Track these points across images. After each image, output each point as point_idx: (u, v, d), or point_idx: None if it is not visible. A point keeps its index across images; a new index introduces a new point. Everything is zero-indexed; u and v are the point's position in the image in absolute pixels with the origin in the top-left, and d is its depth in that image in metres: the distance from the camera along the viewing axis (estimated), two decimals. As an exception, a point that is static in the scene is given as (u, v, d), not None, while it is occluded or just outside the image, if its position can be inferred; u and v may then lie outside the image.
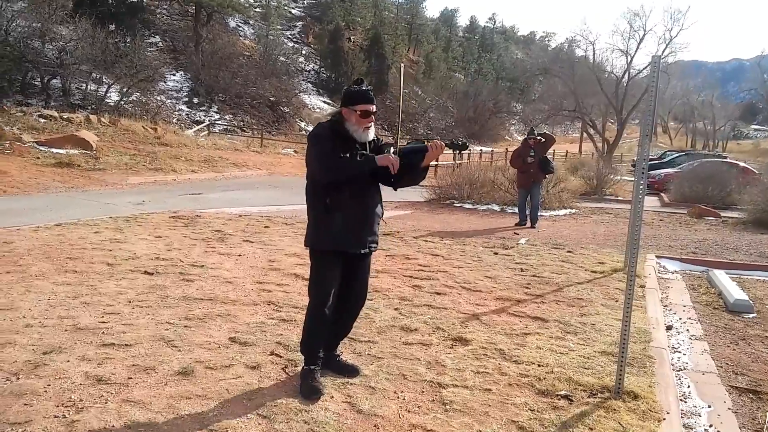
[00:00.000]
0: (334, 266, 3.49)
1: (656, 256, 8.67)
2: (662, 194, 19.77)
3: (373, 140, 3.56)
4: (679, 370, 4.42)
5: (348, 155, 3.31)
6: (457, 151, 3.66)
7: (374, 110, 3.46)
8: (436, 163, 23.80)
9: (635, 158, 32.62)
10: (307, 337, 3.55)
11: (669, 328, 5.43)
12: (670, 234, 11.14)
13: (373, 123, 3.50)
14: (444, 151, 3.52)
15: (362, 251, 3.52)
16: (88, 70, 29.27)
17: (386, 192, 3.67)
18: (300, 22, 60.35)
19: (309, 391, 3.34)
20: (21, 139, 17.31)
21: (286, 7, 58.18)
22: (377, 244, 3.65)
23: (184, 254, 6.96)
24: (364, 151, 3.42)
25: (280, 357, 3.92)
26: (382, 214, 3.66)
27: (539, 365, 4.02)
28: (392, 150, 3.49)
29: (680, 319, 5.82)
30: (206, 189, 15.67)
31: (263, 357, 3.91)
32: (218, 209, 11.42)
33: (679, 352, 4.85)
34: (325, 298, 3.46)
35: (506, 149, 30.78)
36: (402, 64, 4.37)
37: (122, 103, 30.27)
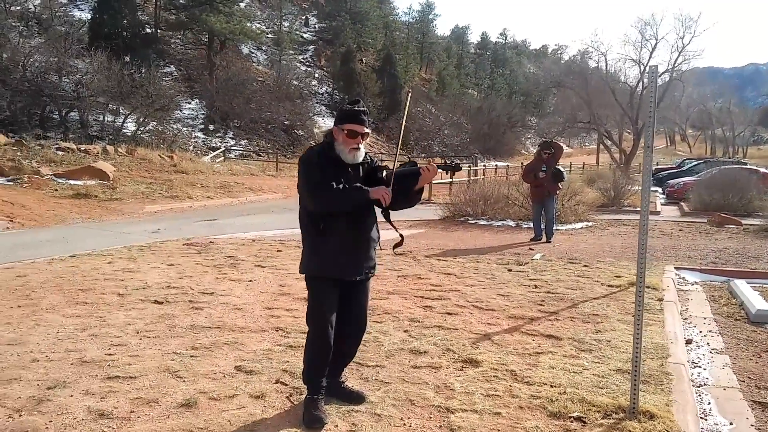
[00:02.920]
0: (332, 293, 3.42)
1: (675, 268, 8.48)
2: (682, 203, 19.48)
3: (366, 162, 3.50)
4: (699, 386, 4.28)
5: (340, 186, 3.23)
6: (451, 172, 3.61)
7: (364, 131, 3.37)
8: (451, 180, 23.72)
9: (654, 168, 32.14)
10: (308, 368, 3.48)
11: (688, 342, 5.28)
12: (689, 244, 10.93)
13: (361, 144, 3.39)
14: (437, 173, 3.46)
15: (358, 278, 3.45)
16: (104, 101, 29.81)
17: (399, 210, 3.60)
18: (312, 46, 61.06)
19: (311, 421, 3.27)
20: (39, 172, 17.61)
21: (297, 32, 58.94)
22: (374, 269, 3.58)
23: (195, 282, 6.95)
24: (357, 184, 3.32)
25: (286, 385, 3.85)
26: (379, 238, 3.59)
27: (552, 386, 3.90)
28: (385, 173, 3.43)
29: (700, 332, 5.66)
30: (222, 215, 15.74)
31: (268, 386, 3.84)
32: (232, 234, 11.43)
33: (699, 366, 4.70)
34: (325, 326, 3.38)
35: (521, 163, 30.63)
36: (409, 91, 4.27)
37: (139, 132, 30.75)
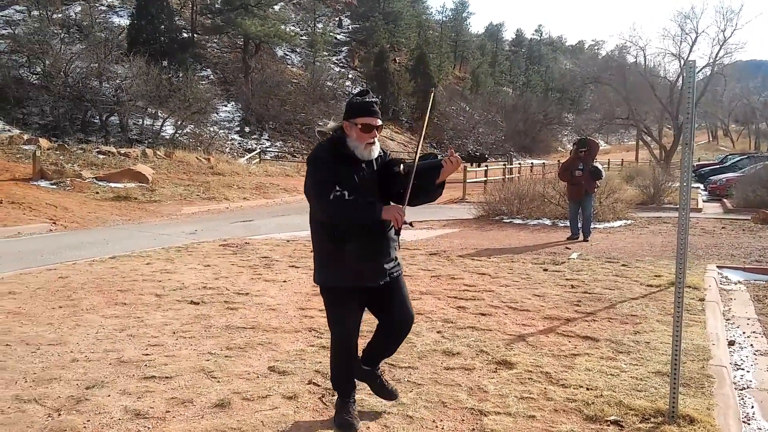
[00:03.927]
0: (350, 301, 3.21)
1: (717, 267, 8.25)
2: (725, 200, 18.98)
3: (380, 155, 3.26)
4: (741, 389, 4.14)
5: (352, 198, 2.96)
6: (476, 164, 3.40)
7: (378, 124, 3.13)
8: (485, 178, 23.54)
9: (696, 164, 31.29)
10: (334, 374, 3.41)
11: (731, 343, 5.12)
12: (732, 242, 10.63)
13: (376, 138, 3.17)
14: (461, 165, 3.18)
15: (382, 282, 3.20)
16: (143, 105, 30.45)
17: (433, 209, 3.49)
18: (345, 47, 61.27)
19: (342, 425, 3.25)
20: (81, 176, 18.05)
21: (331, 34, 59.18)
22: (399, 267, 3.33)
23: (231, 282, 7.03)
24: (371, 199, 3.05)
25: (318, 386, 3.86)
26: (398, 236, 3.28)
27: (588, 389, 3.82)
28: (402, 167, 3.18)
29: (744, 333, 5.49)
30: (257, 216, 15.91)
31: (301, 386, 3.86)
32: (267, 235, 11.54)
33: (743, 369, 4.55)
34: (345, 335, 3.25)
35: (558, 161, 30.22)
36: (433, 90, 4.11)
37: (177, 135, 31.30)
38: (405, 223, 3.04)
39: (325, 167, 3.07)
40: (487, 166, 21.60)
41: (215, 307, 5.90)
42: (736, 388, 4.11)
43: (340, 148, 3.14)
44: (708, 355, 4.49)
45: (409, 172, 3.09)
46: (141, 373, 4.09)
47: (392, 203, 3.21)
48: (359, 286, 3.20)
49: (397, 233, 3.17)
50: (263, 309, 5.82)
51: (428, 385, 3.89)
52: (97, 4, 44.61)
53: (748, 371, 4.50)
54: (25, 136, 23.14)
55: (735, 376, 4.36)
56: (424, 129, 4.04)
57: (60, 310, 5.75)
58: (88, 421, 3.35)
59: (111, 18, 44.23)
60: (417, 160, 3.10)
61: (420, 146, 3.23)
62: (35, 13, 37.63)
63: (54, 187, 16.77)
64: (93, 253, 9.47)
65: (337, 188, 2.99)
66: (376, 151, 3.20)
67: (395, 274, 3.29)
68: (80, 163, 20.07)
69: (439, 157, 3.21)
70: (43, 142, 22.06)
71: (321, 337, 4.89)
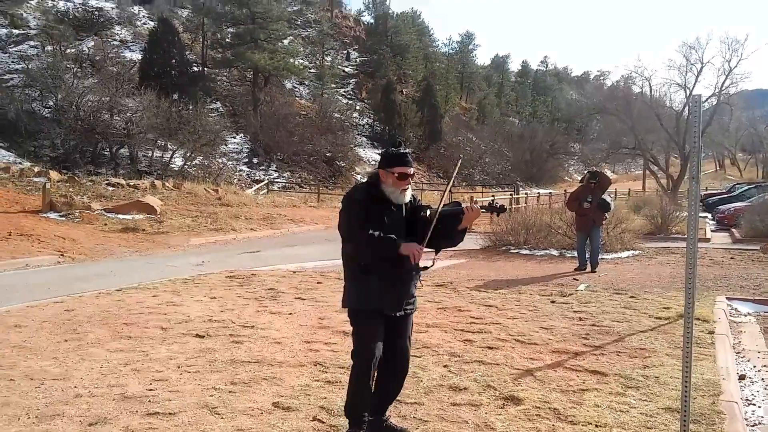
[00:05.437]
0: (377, 325, 3.48)
1: (727, 298, 8.17)
2: (733, 230, 18.85)
3: (411, 201, 3.61)
4: (753, 426, 4.08)
5: (376, 234, 3.32)
6: (496, 214, 3.62)
7: (412, 173, 3.53)
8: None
9: (704, 193, 31.12)
10: (351, 401, 3.50)
11: (742, 377, 5.05)
12: (741, 273, 10.53)
13: (410, 185, 3.56)
14: (480, 214, 3.52)
15: (398, 313, 3.51)
16: (153, 138, 30.72)
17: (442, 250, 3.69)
18: (353, 79, 61.90)
19: (348, 459, 3.23)
20: (90, 207, 18.16)
21: (339, 67, 59.85)
22: (414, 305, 3.64)
23: (236, 315, 7.01)
24: (392, 235, 3.36)
25: (323, 423, 3.82)
26: (420, 276, 3.64)
27: (597, 425, 3.77)
28: (428, 212, 3.53)
29: (754, 366, 5.41)
30: (264, 246, 15.93)
31: (305, 423, 3.82)
32: (274, 266, 11.54)
33: (754, 404, 4.48)
34: (370, 359, 3.42)
35: (565, 191, 30.21)
36: (461, 157, 4.39)
37: (186, 167, 31.49)
38: (424, 268, 3.52)
39: (358, 206, 3.47)
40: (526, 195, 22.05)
41: (220, 340, 5.88)
42: (747, 425, 4.04)
43: (374, 191, 3.52)
44: (718, 390, 4.43)
45: (432, 216, 3.46)
46: (144, 409, 4.06)
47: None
48: (381, 310, 3.49)
49: (416, 270, 3.53)
50: (268, 342, 5.79)
51: (434, 421, 3.84)
52: (109, 40, 45.42)
53: (759, 406, 4.42)
54: (36, 169, 23.36)
55: (746, 412, 4.29)
56: (449, 186, 4.42)
57: (65, 344, 5.73)
58: (90, 458, 3.32)
59: (123, 53, 44.94)
60: (440, 207, 3.47)
61: (443, 199, 3.61)
62: (49, 48, 38.30)
63: (63, 218, 16.87)
64: (100, 285, 9.47)
65: (366, 227, 3.37)
66: (408, 195, 3.58)
67: (408, 310, 3.59)
68: (89, 195, 20.22)
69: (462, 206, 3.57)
70: (54, 174, 22.25)
71: (326, 372, 4.85)
